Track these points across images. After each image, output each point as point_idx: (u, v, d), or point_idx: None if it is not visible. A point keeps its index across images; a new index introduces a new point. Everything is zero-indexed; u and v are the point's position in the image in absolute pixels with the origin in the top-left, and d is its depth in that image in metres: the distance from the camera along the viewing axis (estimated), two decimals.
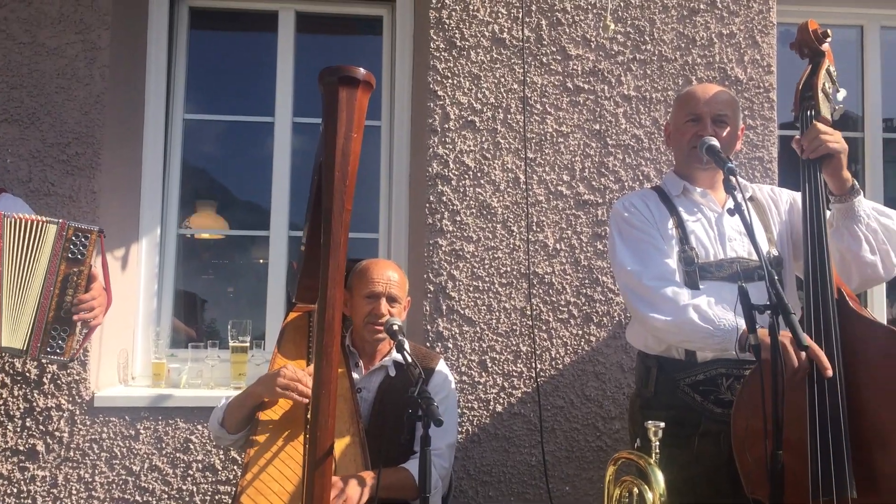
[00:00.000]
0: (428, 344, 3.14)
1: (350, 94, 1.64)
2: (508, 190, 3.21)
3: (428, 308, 3.13)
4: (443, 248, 3.18)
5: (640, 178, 3.25)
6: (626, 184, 3.25)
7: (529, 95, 3.23)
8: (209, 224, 3.60)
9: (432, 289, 3.16)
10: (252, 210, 3.55)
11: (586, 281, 3.21)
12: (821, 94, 2.19)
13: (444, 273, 3.16)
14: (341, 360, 2.35)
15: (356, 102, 1.65)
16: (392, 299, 2.45)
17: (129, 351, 3.32)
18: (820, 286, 1.96)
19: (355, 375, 2.45)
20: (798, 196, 2.33)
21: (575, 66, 3.26)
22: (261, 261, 3.45)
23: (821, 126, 2.11)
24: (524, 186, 3.20)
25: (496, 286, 3.18)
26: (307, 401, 2.13)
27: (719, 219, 2.30)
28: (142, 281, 3.36)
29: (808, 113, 2.17)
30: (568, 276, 3.21)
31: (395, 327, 2.19)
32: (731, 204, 1.87)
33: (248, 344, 3.29)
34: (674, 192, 2.36)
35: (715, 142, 2.19)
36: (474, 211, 3.19)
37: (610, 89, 3.27)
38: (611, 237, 2.33)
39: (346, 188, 1.64)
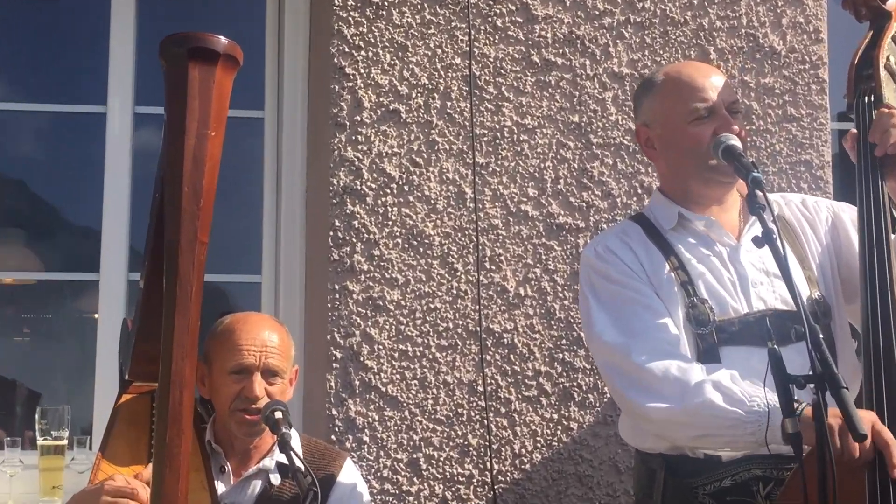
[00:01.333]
0: (333, 437, 3.15)
1: (205, 73, 1.63)
2: (449, 210, 3.28)
3: (333, 383, 3.18)
4: (355, 296, 3.22)
5: (639, 190, 3.33)
6: (618, 200, 3.32)
7: (479, 74, 3.27)
8: (15, 263, 3.58)
9: (340, 355, 3.20)
10: (78, 242, 3.57)
11: (563, 341, 3.27)
12: (884, 73, 2.28)
13: (358, 332, 3.20)
14: (198, 464, 2.33)
15: (214, 85, 1.63)
16: (271, 372, 2.47)
17: None
18: (883, 343, 2.03)
19: (220, 485, 2.44)
20: (842, 208, 2.44)
21: (543, 32, 3.32)
22: (94, 315, 3.43)
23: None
24: (472, 205, 3.26)
25: (433, 350, 3.23)
26: None
27: (735, 255, 2.37)
28: None
29: (866, 99, 2.26)
30: (537, 335, 3.26)
31: (278, 415, 2.20)
32: (755, 230, 1.95)
33: (65, 442, 3.22)
34: (666, 225, 2.44)
35: (736, 141, 2.27)
36: (400, 241, 3.24)
37: (594, 65, 3.33)
38: (582, 298, 2.40)
39: (199, 211, 1.63)
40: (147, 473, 2.18)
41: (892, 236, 2.24)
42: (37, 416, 3.23)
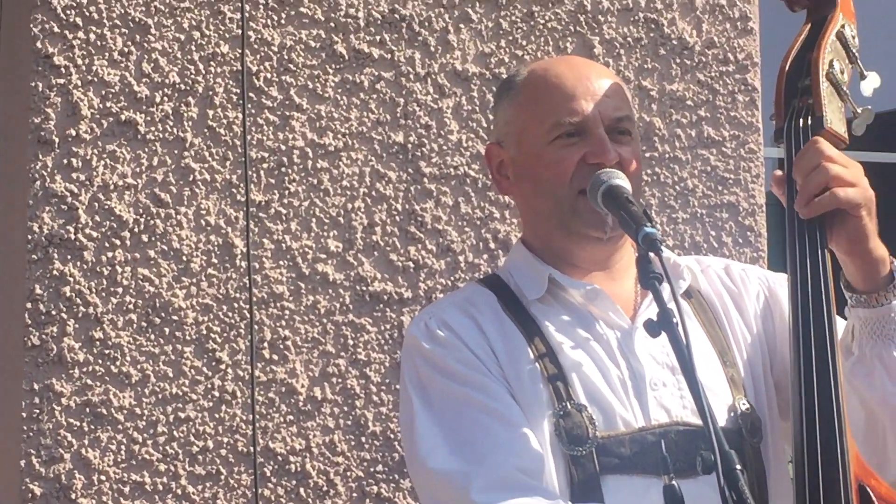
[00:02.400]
0: None
1: None
2: (211, 272, 3.11)
3: None
4: (64, 401, 2.99)
5: (492, 244, 3.22)
6: (461, 258, 3.20)
7: (256, 69, 3.14)
8: None
9: (39, 491, 2.96)
10: None
11: (379, 468, 3.12)
12: (825, 83, 2.16)
13: (68, 455, 2.96)
14: None
15: None
16: None
17: None
18: (824, 475, 1.96)
19: None
20: (780, 281, 2.32)
21: (352, 10, 3.20)
22: None
23: (826, 148, 2.09)
24: (244, 264, 3.10)
25: (183, 482, 3.02)
26: None
27: (627, 342, 2.22)
28: None
29: (801, 122, 2.16)
30: (340, 459, 3.11)
31: None
32: (652, 311, 1.89)
33: None
34: (531, 293, 2.26)
35: (622, 179, 2.12)
36: (135, 317, 3.05)
37: (426, 59, 3.23)
38: (404, 399, 2.26)
39: None
40: None
41: (841, 323, 2.15)
42: None
